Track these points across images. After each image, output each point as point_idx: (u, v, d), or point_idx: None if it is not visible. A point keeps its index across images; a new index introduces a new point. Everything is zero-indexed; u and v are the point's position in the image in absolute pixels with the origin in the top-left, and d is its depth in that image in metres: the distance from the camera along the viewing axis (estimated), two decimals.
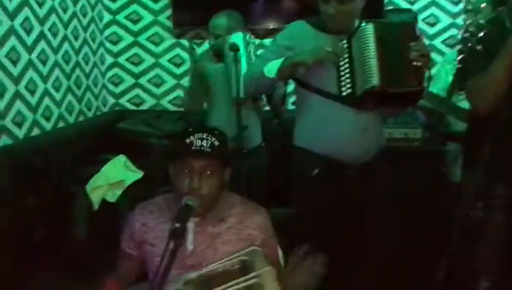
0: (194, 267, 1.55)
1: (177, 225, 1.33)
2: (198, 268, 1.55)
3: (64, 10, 3.37)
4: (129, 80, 4.08)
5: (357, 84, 1.88)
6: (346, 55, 1.89)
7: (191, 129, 1.54)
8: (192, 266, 1.55)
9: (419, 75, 1.86)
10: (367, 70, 1.82)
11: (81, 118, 3.58)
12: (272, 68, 1.97)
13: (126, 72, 4.07)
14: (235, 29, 2.54)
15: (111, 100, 4.11)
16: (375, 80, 1.80)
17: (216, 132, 1.56)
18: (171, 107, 4.03)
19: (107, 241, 1.85)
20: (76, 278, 2.28)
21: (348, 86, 1.91)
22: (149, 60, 4.03)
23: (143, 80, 4.07)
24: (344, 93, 1.92)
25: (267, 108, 3.23)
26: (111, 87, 4.09)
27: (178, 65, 4.01)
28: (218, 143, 1.52)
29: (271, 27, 3.75)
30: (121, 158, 2.89)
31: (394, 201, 2.57)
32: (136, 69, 4.06)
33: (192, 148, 1.48)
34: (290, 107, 3.20)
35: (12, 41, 2.79)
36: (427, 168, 2.99)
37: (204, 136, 1.50)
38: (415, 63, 1.83)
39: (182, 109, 3.52)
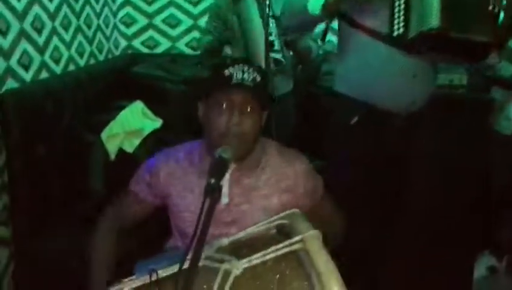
0: (229, 224, 1.41)
1: (213, 180, 1.14)
2: (233, 225, 1.41)
3: None
4: (142, 20, 3.77)
5: (411, 24, 1.64)
6: None
7: (229, 61, 1.36)
8: (226, 223, 1.41)
9: (494, 23, 1.59)
10: (426, 8, 1.57)
11: (92, 61, 3.32)
12: (315, 3, 1.73)
13: (138, 11, 3.76)
14: None
15: (123, 42, 3.82)
16: (434, 21, 1.55)
17: (257, 66, 1.38)
18: (188, 51, 3.74)
19: None
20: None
21: (401, 24, 1.66)
22: None
23: (157, 20, 3.76)
24: (395, 34, 1.68)
25: None
26: (122, 28, 3.79)
27: (195, 3, 3.69)
28: (260, 78, 1.35)
29: None
30: (138, 105, 2.65)
31: (437, 153, 2.39)
32: (149, 8, 3.75)
33: (233, 80, 1.32)
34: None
35: None
36: (472, 117, 2.75)
37: (245, 69, 1.34)
38: (491, 7, 1.56)
39: (199, 52, 3.25)
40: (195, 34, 3.67)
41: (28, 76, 2.59)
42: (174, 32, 3.76)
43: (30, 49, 2.62)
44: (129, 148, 2.49)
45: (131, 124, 2.51)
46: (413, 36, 1.62)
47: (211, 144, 1.36)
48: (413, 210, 2.26)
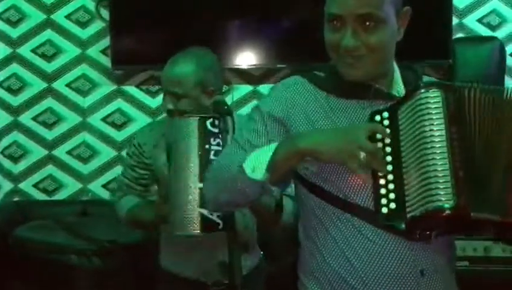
0: None
1: None
2: None
3: None
4: (37, 152, 2.83)
5: (408, 198, 1.25)
6: (388, 141, 1.28)
7: None
8: None
9: None
10: (430, 177, 1.20)
11: None
12: (258, 162, 1.32)
13: (32, 138, 2.83)
14: (208, 82, 1.85)
15: (6, 185, 2.84)
16: (445, 199, 1.15)
17: None
18: (107, 195, 2.80)
19: None
20: None
21: (391, 197, 1.26)
22: (72, 119, 2.82)
23: (60, 151, 2.82)
24: (384, 211, 1.27)
25: None
26: (7, 163, 2.82)
27: (119, 126, 2.83)
28: None
29: (271, 66, 2.67)
30: None
31: None
32: (49, 134, 2.83)
33: None
34: None
35: None
36: None
37: None
38: None
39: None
40: (119, 170, 2.65)
41: None
42: (86, 169, 2.87)
43: None
44: None
45: None
46: (414, 216, 1.25)
47: None
48: None
